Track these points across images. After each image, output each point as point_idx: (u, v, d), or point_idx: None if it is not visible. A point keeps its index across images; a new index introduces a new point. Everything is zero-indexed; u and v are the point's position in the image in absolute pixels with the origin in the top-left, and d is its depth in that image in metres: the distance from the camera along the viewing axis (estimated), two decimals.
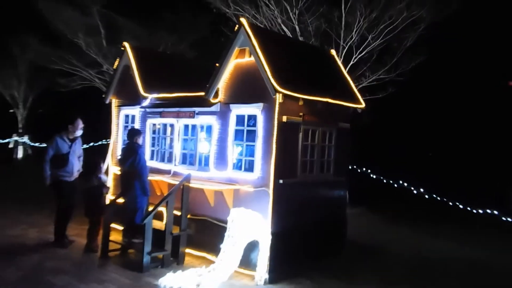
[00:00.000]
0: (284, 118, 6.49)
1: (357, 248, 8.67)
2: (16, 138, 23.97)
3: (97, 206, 7.38)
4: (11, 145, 23.99)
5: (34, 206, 11.07)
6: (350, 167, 13.00)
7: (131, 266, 6.69)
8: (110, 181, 8.98)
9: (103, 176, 7.71)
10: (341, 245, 8.08)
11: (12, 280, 5.91)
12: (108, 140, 9.13)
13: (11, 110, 24.80)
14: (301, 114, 6.82)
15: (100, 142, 18.47)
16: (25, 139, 23.85)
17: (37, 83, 23.09)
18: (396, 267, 7.59)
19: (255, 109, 6.65)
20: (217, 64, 7.11)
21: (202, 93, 7.22)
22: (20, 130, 24.16)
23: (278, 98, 6.31)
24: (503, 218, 9.89)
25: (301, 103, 6.70)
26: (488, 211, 10.20)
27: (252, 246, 6.46)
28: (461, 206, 10.67)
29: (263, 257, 6.31)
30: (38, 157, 21.80)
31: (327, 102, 7.12)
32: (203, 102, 7.32)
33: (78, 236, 8.16)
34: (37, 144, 22.75)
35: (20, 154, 23.74)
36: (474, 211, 10.48)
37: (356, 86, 12.43)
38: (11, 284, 5.79)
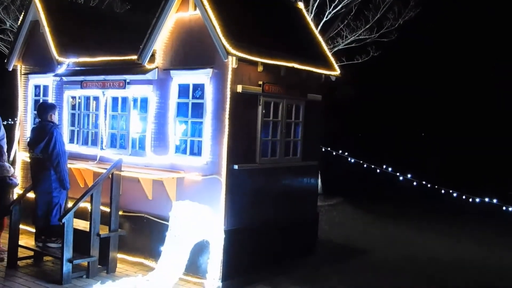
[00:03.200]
0: (239, 88, 6.52)
1: (330, 248, 8.92)
2: None
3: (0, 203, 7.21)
4: None
5: None
6: (322, 149, 13.28)
7: (47, 277, 6.62)
8: (17, 171, 8.79)
9: (6, 165, 7.53)
10: (310, 245, 8.28)
11: None
12: (14, 119, 8.84)
13: None
14: (260, 82, 6.87)
15: (4, 122, 17.89)
16: None
17: None
18: (377, 269, 7.87)
19: (202, 77, 6.64)
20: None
21: (135, 57, 7.13)
22: None
23: (231, 63, 6.33)
24: (504, 208, 10.40)
25: (260, 69, 6.74)
26: (487, 199, 10.68)
27: (200, 248, 6.53)
28: (455, 195, 11.13)
29: (214, 261, 6.39)
30: None
31: (293, 68, 7.20)
32: (136, 68, 7.25)
33: None
34: None
35: None
36: (471, 199, 10.96)
37: (330, 49, 12.65)
38: None
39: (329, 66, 8.20)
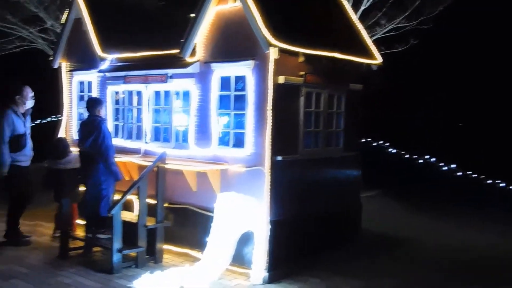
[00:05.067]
0: (281, 79, 6.52)
1: (372, 238, 8.83)
2: None
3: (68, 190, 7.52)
4: None
5: None
6: (363, 140, 13.16)
7: (98, 266, 6.80)
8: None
9: (73, 155, 7.82)
10: (353, 236, 8.24)
11: None
12: (59, 116, 9.08)
13: None
14: (302, 73, 6.86)
15: (49, 119, 18.37)
16: None
17: None
18: (420, 262, 7.75)
19: (243, 69, 6.67)
20: (192, 15, 7.11)
21: (176, 51, 7.21)
22: None
23: (273, 54, 6.33)
24: None
25: (301, 59, 6.72)
26: None
27: (245, 239, 6.58)
28: (502, 185, 10.83)
29: (259, 252, 6.43)
30: None
31: (334, 58, 7.16)
32: (177, 62, 7.32)
33: (31, 233, 8.33)
34: None
35: None
36: None
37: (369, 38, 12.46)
38: None
39: (370, 55, 8.13)
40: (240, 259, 6.67)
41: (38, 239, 8.12)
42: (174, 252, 7.41)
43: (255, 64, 6.57)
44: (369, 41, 8.40)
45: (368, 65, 8.03)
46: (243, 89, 6.76)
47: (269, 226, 6.44)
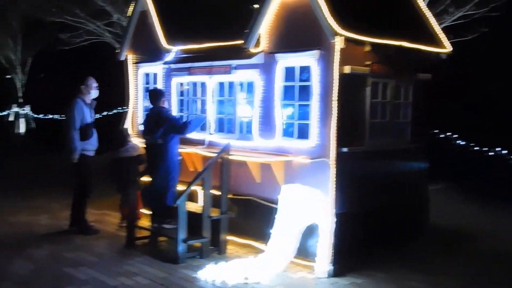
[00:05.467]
0: (347, 69, 6.36)
1: (439, 233, 8.52)
2: (16, 109, 24.97)
3: (131, 179, 7.69)
4: (11, 118, 25.05)
5: (41, 188, 11.59)
6: (431, 131, 12.75)
7: (163, 256, 6.91)
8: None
9: (132, 144, 8.08)
10: (420, 230, 7.99)
11: (23, 274, 6.24)
12: (125, 108, 9.32)
13: (8, 76, 25.73)
14: (368, 63, 6.67)
15: (115, 111, 18.93)
16: (27, 110, 24.79)
17: (34, 41, 23.77)
18: (490, 257, 7.41)
19: (308, 59, 6.56)
20: (255, 6, 7.05)
21: (240, 42, 7.18)
22: (20, 100, 25.09)
23: (339, 43, 6.18)
24: None
25: (367, 48, 6.53)
26: None
27: (310, 231, 6.50)
28: None
29: (324, 245, 6.33)
30: (43, 131, 22.80)
31: (401, 47, 6.92)
32: (241, 53, 7.30)
33: (98, 222, 8.58)
34: (41, 116, 23.63)
35: (22, 128, 24.74)
36: None
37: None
38: (22, 278, 6.12)
39: (439, 43, 7.80)
40: (304, 252, 6.59)
41: (105, 228, 8.36)
42: (237, 243, 7.42)
43: (320, 54, 6.43)
44: (438, 28, 8.06)
45: (437, 53, 7.72)
46: (307, 79, 6.65)
47: (334, 219, 6.32)
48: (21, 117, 24.86)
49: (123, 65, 9.58)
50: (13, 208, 9.63)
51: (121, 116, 18.76)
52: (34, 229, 8.22)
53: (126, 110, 9.66)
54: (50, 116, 22.73)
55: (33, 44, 24.06)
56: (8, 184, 12.12)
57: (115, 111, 19.29)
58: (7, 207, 9.72)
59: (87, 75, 8.30)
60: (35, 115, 24.48)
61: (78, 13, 17.62)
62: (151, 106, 7.48)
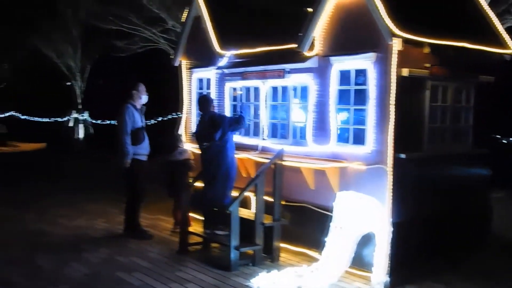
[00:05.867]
0: (405, 72, 6.11)
1: (503, 245, 8.08)
2: (75, 115, 25.76)
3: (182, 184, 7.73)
4: (70, 124, 25.86)
5: (98, 192, 11.84)
6: (493, 136, 12.19)
7: (215, 263, 6.85)
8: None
9: (183, 149, 8.11)
10: (482, 239, 7.59)
11: (78, 277, 6.33)
12: (179, 113, 9.41)
13: (68, 83, 26.59)
14: (427, 65, 6.38)
15: (170, 116, 19.16)
16: (85, 116, 25.51)
17: (93, 49, 24.47)
18: None
19: (364, 62, 6.34)
20: (309, 9, 6.89)
21: (293, 45, 7.05)
22: (79, 106, 25.85)
23: (397, 45, 5.94)
24: None
25: (427, 50, 6.25)
26: None
27: (365, 240, 6.28)
28: None
29: (380, 254, 6.09)
30: (101, 137, 23.41)
31: (463, 48, 6.59)
32: (295, 56, 7.16)
33: (150, 227, 8.64)
34: (98, 122, 24.26)
35: (81, 133, 25.49)
36: None
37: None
38: (77, 281, 6.20)
39: (503, 44, 7.41)
40: (359, 262, 6.37)
41: (159, 233, 8.40)
42: (290, 251, 7.27)
43: (377, 56, 6.21)
44: (501, 29, 7.66)
45: (501, 54, 7.32)
46: (363, 83, 6.43)
47: (391, 228, 6.07)
48: (80, 123, 25.62)
49: (177, 70, 9.63)
50: (70, 212, 9.87)
51: (176, 122, 19.05)
52: (90, 233, 8.37)
53: (181, 115, 9.70)
54: (107, 122, 23.30)
55: (91, 51, 24.77)
56: (66, 188, 12.46)
57: (169, 116, 19.54)
58: (64, 211, 9.96)
59: (143, 81, 8.39)
60: (93, 121, 25.15)
61: (134, 20, 18.00)
62: (201, 112, 7.48)
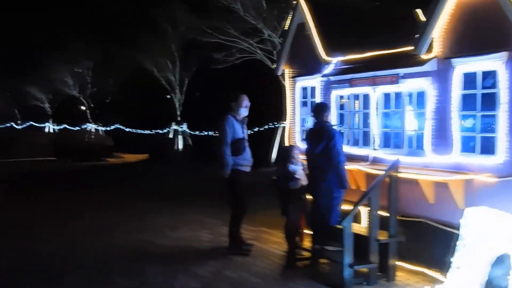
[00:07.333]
0: None
1: None
2: (175, 127, 26.39)
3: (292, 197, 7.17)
4: (170, 135, 26.54)
5: (199, 202, 11.79)
6: None
7: (326, 280, 6.41)
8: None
9: (294, 167, 7.27)
10: None
11: None
12: (275, 123, 9.19)
13: (168, 96, 27.35)
14: None
15: (266, 126, 18.99)
16: (184, 127, 26.06)
17: (191, 62, 24.99)
18: None
19: (493, 62, 5.65)
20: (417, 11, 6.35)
21: (409, 48, 6.49)
22: (178, 118, 26.48)
23: None
24: None
25: None
26: None
27: (499, 262, 5.53)
28: None
29: None
30: (198, 147, 23.79)
31: None
32: (409, 60, 6.61)
33: (255, 240, 8.34)
34: (196, 133, 24.68)
35: (180, 144, 26.06)
36: None
37: None
38: None
39: None
40: (491, 286, 5.63)
41: (263, 246, 8.06)
42: (406, 269, 6.65)
43: (509, 55, 5.50)
44: None
45: None
46: (492, 86, 5.74)
47: None
48: (179, 134, 26.20)
49: (274, 80, 9.36)
50: (173, 222, 9.84)
51: (272, 132, 18.79)
52: (195, 245, 8.21)
53: (277, 125, 9.38)
54: (205, 133, 23.61)
55: (189, 64, 25.30)
56: (168, 198, 12.54)
57: (266, 126, 19.37)
58: (167, 221, 9.95)
59: (239, 92, 8.01)
60: (191, 132, 25.62)
61: (231, 32, 18.08)
62: (315, 120, 7.03)
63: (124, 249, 7.99)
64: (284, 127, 17.77)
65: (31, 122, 46.08)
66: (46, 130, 43.53)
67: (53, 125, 43.05)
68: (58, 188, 15.53)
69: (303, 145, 8.20)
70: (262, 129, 19.81)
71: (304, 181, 7.20)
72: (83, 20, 33.04)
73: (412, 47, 6.44)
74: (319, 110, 6.92)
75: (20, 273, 6.89)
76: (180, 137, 26.12)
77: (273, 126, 18.43)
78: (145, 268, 6.99)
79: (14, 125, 47.85)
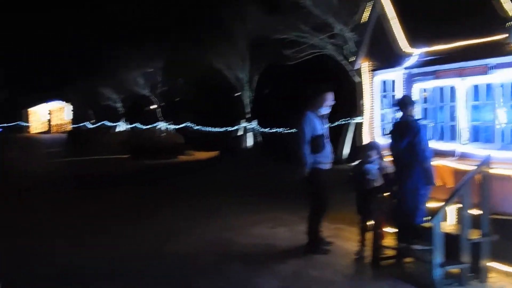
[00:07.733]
0: None
1: None
2: (244, 124, 26.51)
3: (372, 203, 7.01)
4: (240, 132, 26.70)
5: (274, 199, 11.71)
6: None
7: (414, 280, 6.19)
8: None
9: (369, 166, 7.13)
10: None
11: None
12: (349, 119, 8.98)
13: (237, 94, 27.49)
14: None
15: (337, 122, 18.65)
16: (254, 124, 26.12)
17: (260, 59, 24.97)
18: None
19: None
20: None
21: (501, 36, 6.12)
22: (248, 115, 26.55)
23: None
24: None
25: None
26: None
27: None
28: None
29: None
30: (269, 144, 23.75)
31: None
32: (500, 49, 6.25)
33: (335, 238, 8.14)
34: (266, 130, 24.67)
35: (250, 142, 26.14)
36: None
37: None
38: None
39: None
40: None
41: (343, 244, 7.87)
42: (500, 270, 6.30)
43: None
44: None
45: None
46: None
47: None
48: (248, 132, 26.28)
49: (345, 76, 9.12)
50: (253, 219, 9.81)
51: (341, 129, 18.44)
52: (275, 242, 8.13)
53: (349, 121, 9.15)
54: (275, 130, 23.54)
55: (259, 61, 25.28)
56: (244, 195, 12.56)
57: (337, 122, 19.02)
58: (247, 218, 9.94)
59: (324, 89, 7.78)
60: (262, 129, 25.62)
61: (302, 28, 17.84)
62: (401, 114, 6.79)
63: (205, 247, 8.03)
64: (356, 123, 17.43)
65: (104, 122, 47.96)
66: (117, 129, 45.06)
67: (126, 124, 44.50)
68: (136, 184, 16.04)
69: (383, 140, 7.98)
70: (332, 125, 19.49)
71: (378, 182, 6.99)
72: (154, 20, 33.76)
73: (504, 36, 6.08)
74: (403, 104, 6.67)
75: (101, 271, 6.93)
76: (249, 134, 26.19)
77: (343, 123, 18.11)
78: (226, 265, 6.99)
79: (87, 125, 50.17)
